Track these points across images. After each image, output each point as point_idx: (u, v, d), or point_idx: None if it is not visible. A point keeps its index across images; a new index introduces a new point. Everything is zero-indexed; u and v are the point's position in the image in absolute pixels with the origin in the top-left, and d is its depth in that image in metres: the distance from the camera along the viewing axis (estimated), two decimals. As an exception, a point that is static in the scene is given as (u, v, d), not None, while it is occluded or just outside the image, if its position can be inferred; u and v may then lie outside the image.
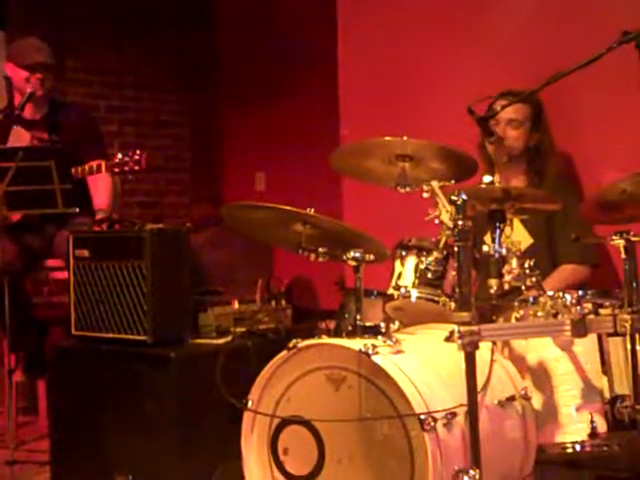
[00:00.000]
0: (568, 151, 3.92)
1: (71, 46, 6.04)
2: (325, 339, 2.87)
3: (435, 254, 2.93)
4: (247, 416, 2.91)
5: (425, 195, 2.87)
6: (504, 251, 2.86)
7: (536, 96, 3.55)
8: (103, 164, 4.30)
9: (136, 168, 4.21)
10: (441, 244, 2.90)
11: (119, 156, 4.24)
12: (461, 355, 2.50)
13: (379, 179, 3.19)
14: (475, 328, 2.49)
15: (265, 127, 6.43)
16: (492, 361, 2.75)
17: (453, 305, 2.83)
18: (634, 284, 2.79)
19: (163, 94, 6.78)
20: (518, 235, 3.51)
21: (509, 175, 3.73)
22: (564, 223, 3.57)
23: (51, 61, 4.59)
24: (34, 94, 4.50)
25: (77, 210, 4.01)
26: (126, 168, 4.22)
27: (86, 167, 4.38)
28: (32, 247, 4.54)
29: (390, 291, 2.99)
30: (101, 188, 4.61)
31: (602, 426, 2.86)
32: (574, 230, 3.37)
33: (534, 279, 2.88)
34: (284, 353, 2.83)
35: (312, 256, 3.03)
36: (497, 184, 2.97)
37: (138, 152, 4.24)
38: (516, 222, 3.50)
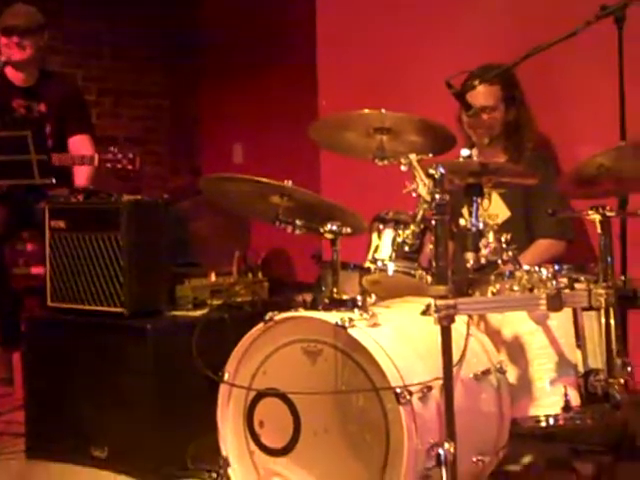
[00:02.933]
0: (546, 126, 3.92)
1: (50, 14, 5.97)
2: (302, 312, 2.86)
3: (412, 227, 2.92)
4: (223, 389, 2.91)
5: (403, 168, 2.87)
6: (481, 225, 2.86)
7: (508, 72, 3.53)
8: (96, 157, 4.28)
9: (129, 167, 4.19)
10: (418, 217, 2.89)
11: (114, 151, 4.22)
12: (437, 329, 2.50)
13: (357, 152, 3.18)
14: (451, 302, 2.49)
15: (244, 99, 6.40)
16: (468, 335, 2.76)
17: (430, 279, 2.83)
18: (609, 259, 2.80)
19: (142, 64, 6.73)
20: (496, 208, 3.51)
21: (489, 153, 3.70)
22: (541, 197, 3.58)
23: (27, 25, 4.54)
24: (7, 62, 4.47)
25: (53, 181, 3.99)
26: (119, 165, 4.20)
27: (79, 157, 4.36)
28: (10, 218, 4.52)
29: (367, 264, 2.99)
30: (83, 167, 4.58)
31: (576, 400, 2.88)
32: (551, 205, 3.38)
33: (510, 253, 2.89)
34: (260, 326, 2.83)
35: (289, 229, 3.02)
36: (475, 158, 2.96)
37: (133, 152, 4.22)
38: (494, 195, 3.51)
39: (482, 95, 3.64)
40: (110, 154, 4.24)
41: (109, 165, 4.22)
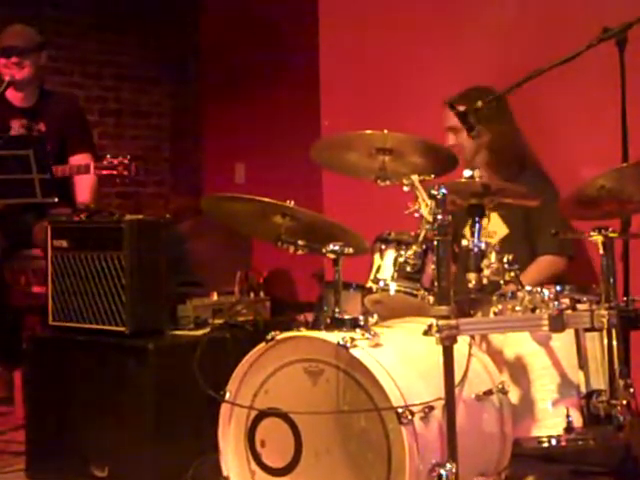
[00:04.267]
0: (547, 148, 3.93)
1: (51, 34, 6.00)
2: (303, 332, 2.86)
3: (414, 248, 2.93)
4: (224, 408, 2.90)
5: (405, 189, 2.88)
6: (483, 245, 2.87)
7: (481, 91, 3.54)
8: (91, 165, 4.29)
9: (125, 173, 4.19)
10: (420, 238, 2.90)
11: (108, 158, 4.22)
12: (439, 349, 2.50)
13: (359, 172, 3.19)
14: (453, 322, 2.50)
15: (245, 118, 6.42)
16: (470, 355, 2.76)
17: (432, 299, 2.83)
18: (611, 280, 2.80)
19: (143, 84, 6.75)
20: (494, 226, 3.52)
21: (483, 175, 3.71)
22: (541, 215, 3.55)
23: (26, 44, 4.56)
24: (11, 82, 4.49)
25: (56, 200, 3.99)
26: (114, 172, 4.20)
27: (74, 167, 4.36)
28: (10, 236, 4.52)
29: (369, 284, 2.99)
30: (84, 183, 4.59)
31: (578, 421, 2.87)
32: (551, 222, 3.38)
33: (513, 274, 2.89)
34: (262, 345, 2.83)
35: (291, 248, 3.02)
36: (477, 179, 2.97)
37: (128, 157, 4.22)
38: (493, 213, 3.52)
39: (450, 116, 3.61)
40: (105, 161, 4.24)
41: (105, 172, 4.22)
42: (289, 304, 4.00)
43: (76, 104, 5.15)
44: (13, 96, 4.63)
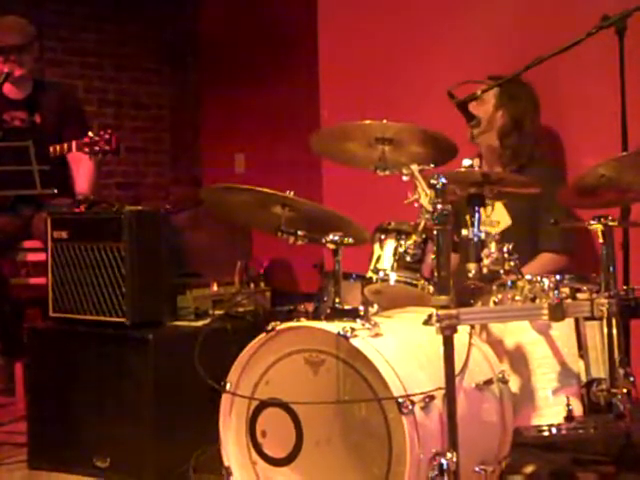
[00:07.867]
0: (551, 138, 3.92)
1: (50, 26, 6.00)
2: (304, 322, 2.86)
3: (414, 237, 2.93)
4: (225, 399, 2.90)
5: (405, 178, 2.87)
6: (483, 235, 2.86)
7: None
8: (74, 144, 4.27)
9: (106, 148, 4.18)
10: (420, 227, 2.90)
11: (90, 135, 4.22)
12: (439, 338, 2.50)
13: (359, 162, 3.18)
14: (453, 312, 2.49)
15: (245, 109, 6.42)
16: (470, 344, 2.76)
17: (432, 289, 2.84)
18: (611, 268, 2.81)
19: (143, 75, 6.75)
20: (498, 216, 3.52)
21: (494, 163, 3.74)
22: (547, 210, 3.55)
23: (24, 41, 4.54)
24: (10, 74, 4.47)
25: (55, 191, 3.98)
26: (96, 148, 4.19)
27: (57, 147, 4.35)
28: (9, 228, 4.52)
29: (369, 274, 2.99)
30: (83, 172, 4.59)
31: (578, 409, 2.87)
32: (556, 217, 3.38)
33: (512, 263, 2.89)
34: (263, 336, 2.83)
35: (291, 239, 3.02)
36: (476, 168, 2.96)
37: (109, 132, 4.21)
38: (498, 203, 3.51)
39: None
40: (87, 138, 4.24)
41: (87, 149, 4.21)
42: (289, 294, 4.00)
43: (72, 95, 5.13)
44: (7, 88, 4.61)
